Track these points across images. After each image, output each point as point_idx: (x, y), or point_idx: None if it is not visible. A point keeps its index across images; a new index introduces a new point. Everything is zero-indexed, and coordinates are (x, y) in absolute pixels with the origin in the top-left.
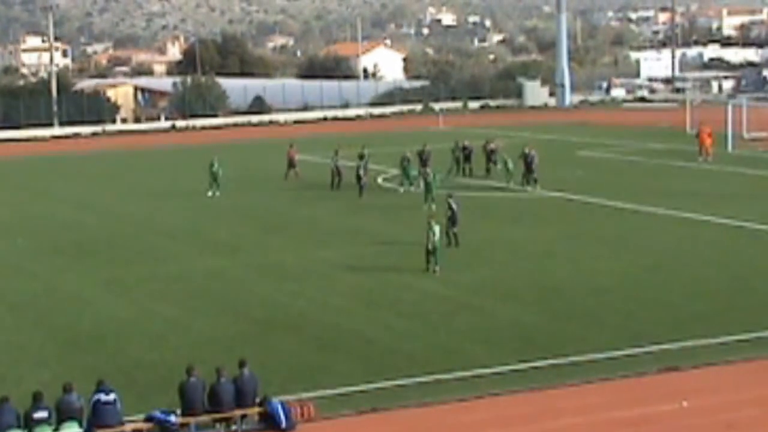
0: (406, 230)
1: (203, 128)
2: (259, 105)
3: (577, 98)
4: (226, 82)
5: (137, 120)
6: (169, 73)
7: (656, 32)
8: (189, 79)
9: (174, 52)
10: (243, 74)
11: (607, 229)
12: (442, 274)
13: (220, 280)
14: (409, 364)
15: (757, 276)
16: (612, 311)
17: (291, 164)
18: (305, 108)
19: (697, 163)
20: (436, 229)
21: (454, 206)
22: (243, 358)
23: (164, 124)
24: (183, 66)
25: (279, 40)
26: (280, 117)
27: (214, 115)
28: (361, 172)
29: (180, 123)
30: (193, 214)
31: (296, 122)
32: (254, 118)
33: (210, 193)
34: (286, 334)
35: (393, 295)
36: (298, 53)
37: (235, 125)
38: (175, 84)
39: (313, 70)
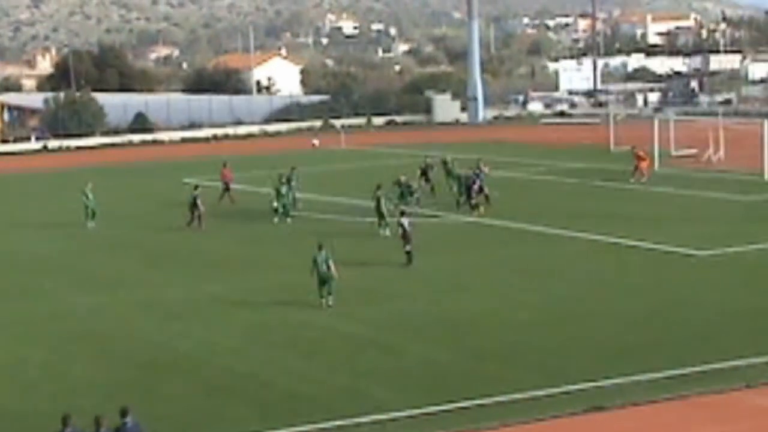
0: (306, 261)
1: (78, 149)
2: (141, 123)
3: (491, 113)
4: (103, 98)
5: (4, 141)
6: (40, 88)
7: (576, 40)
8: (62, 95)
9: (45, 66)
10: (123, 89)
11: (526, 257)
12: (344, 309)
13: (99, 319)
14: (309, 409)
15: (685, 306)
16: (531, 347)
17: (226, 186)
18: (192, 126)
19: (630, 184)
20: (322, 257)
21: (405, 224)
22: (125, 406)
23: (35, 145)
24: (55, 80)
25: (162, 51)
26: (165, 136)
27: (91, 135)
28: (199, 201)
29: (52, 144)
30: (68, 245)
31: (183, 141)
32: (136, 138)
33: (90, 225)
34: (173, 379)
35: (291, 333)
36: (184, 65)
37: (115, 145)
38: (46, 100)
39: (200, 84)
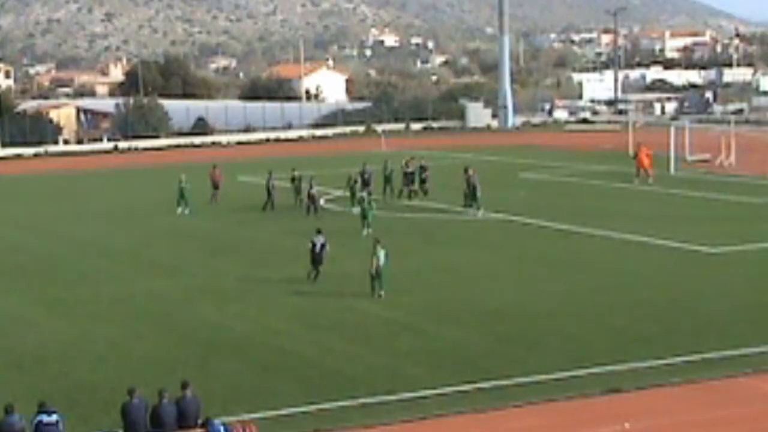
0: (349, 253)
1: (146, 149)
2: (201, 126)
3: (519, 120)
4: (168, 104)
5: (80, 141)
6: (112, 94)
7: (599, 54)
8: (131, 101)
9: (116, 74)
10: (185, 95)
11: (550, 251)
12: (384, 297)
13: (162, 302)
14: (351, 386)
15: (697, 298)
16: (555, 333)
17: (215, 186)
18: (247, 129)
19: (633, 185)
20: (381, 253)
21: (318, 244)
22: (185, 379)
23: (107, 145)
24: (125, 87)
25: (221, 62)
26: (223, 138)
27: (157, 137)
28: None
29: (122, 144)
30: (136, 235)
31: (239, 143)
32: (197, 140)
33: (180, 210)
34: (228, 356)
35: (334, 317)
36: (241, 75)
37: (178, 147)
38: (117, 105)
39: (255, 92)
